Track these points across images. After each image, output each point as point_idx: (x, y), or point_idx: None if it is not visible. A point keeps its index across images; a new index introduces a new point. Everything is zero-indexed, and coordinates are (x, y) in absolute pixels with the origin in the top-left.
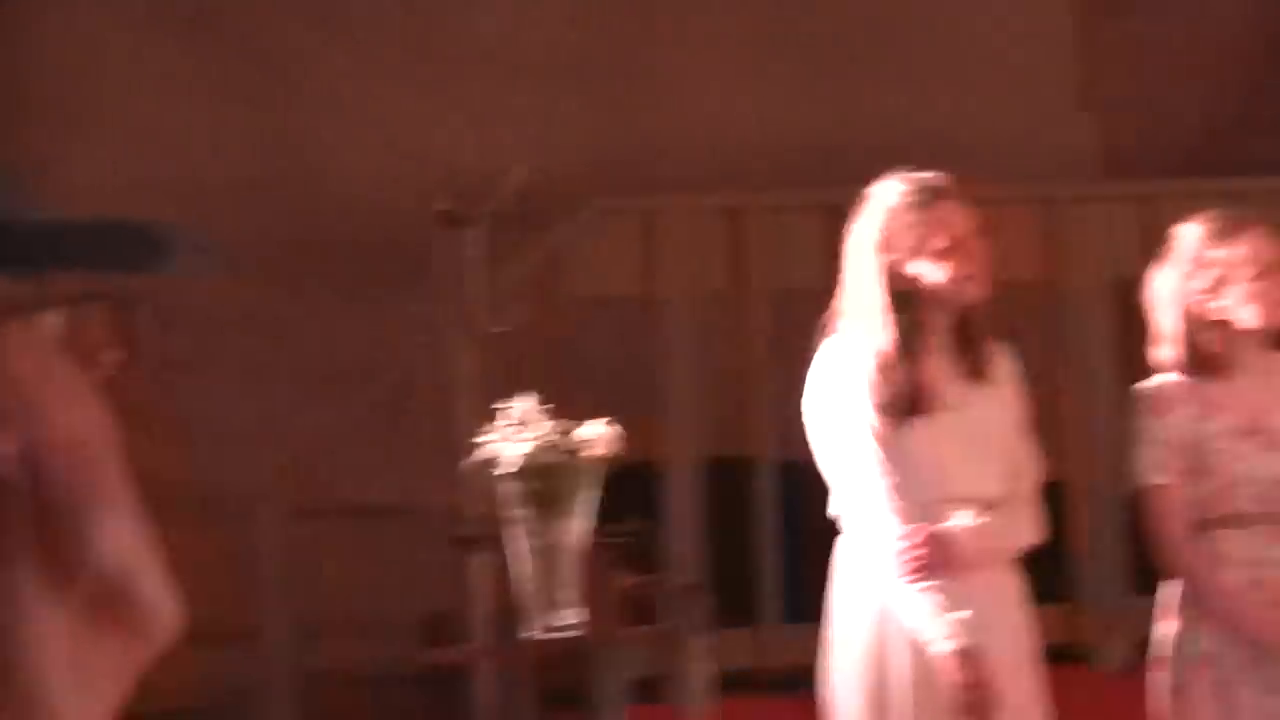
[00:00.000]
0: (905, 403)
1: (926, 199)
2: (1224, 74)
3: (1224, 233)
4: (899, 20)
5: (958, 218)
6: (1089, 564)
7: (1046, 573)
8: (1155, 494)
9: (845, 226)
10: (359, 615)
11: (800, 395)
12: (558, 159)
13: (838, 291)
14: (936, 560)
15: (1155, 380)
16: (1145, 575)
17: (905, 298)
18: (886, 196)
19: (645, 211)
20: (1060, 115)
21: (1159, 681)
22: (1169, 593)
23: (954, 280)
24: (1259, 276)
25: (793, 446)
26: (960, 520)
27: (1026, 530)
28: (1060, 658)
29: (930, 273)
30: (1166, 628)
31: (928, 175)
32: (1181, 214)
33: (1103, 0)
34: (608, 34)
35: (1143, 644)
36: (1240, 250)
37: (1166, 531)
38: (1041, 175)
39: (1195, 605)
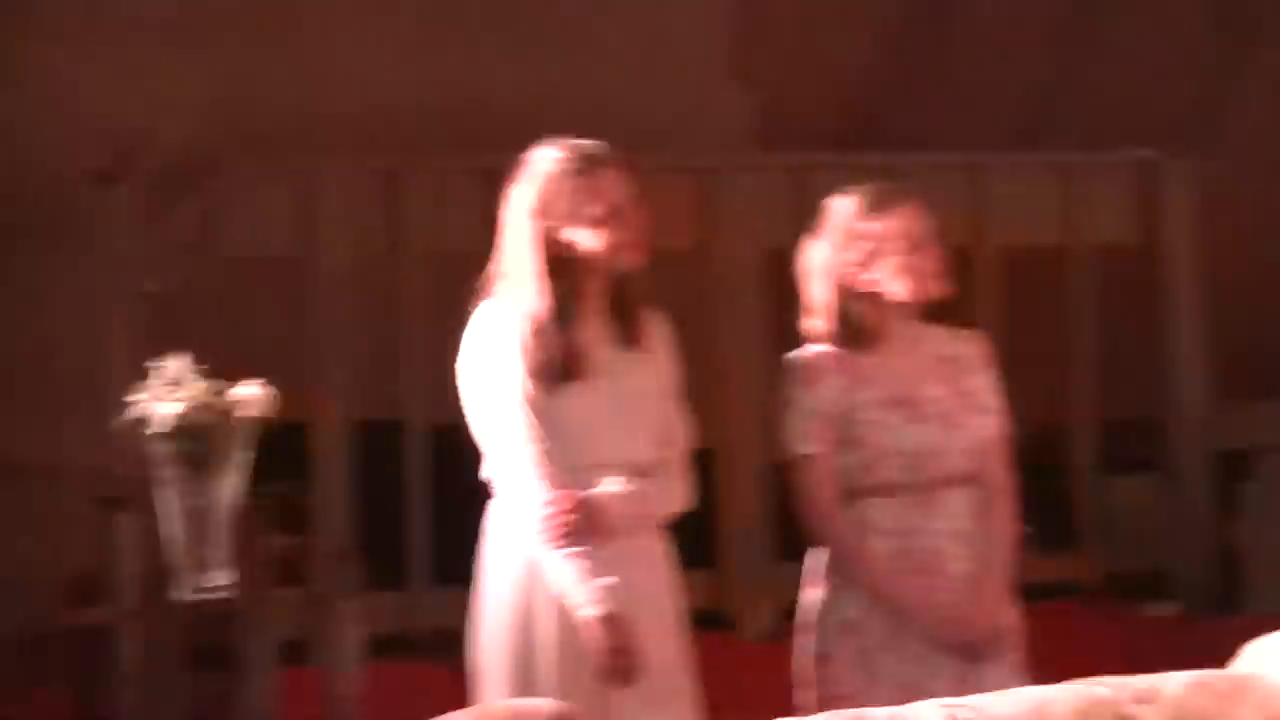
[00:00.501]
0: (557, 368)
1: (584, 166)
2: (876, 49)
3: (876, 206)
4: None
5: (615, 185)
6: (736, 531)
7: (694, 539)
8: (804, 463)
9: (503, 191)
10: (3, 573)
11: (455, 359)
12: (213, 120)
13: (494, 256)
14: (584, 526)
15: (806, 351)
16: (792, 543)
17: (561, 264)
18: (544, 163)
19: (301, 172)
20: (715, 87)
21: (804, 648)
22: (816, 561)
23: (610, 247)
24: (909, 250)
25: (446, 410)
26: (609, 486)
27: (676, 497)
28: (706, 624)
29: (586, 239)
30: (813, 595)
31: (585, 143)
32: (833, 186)
33: None
34: None
35: (788, 611)
36: (891, 224)
37: (815, 500)
38: (696, 146)
39: (840, 573)
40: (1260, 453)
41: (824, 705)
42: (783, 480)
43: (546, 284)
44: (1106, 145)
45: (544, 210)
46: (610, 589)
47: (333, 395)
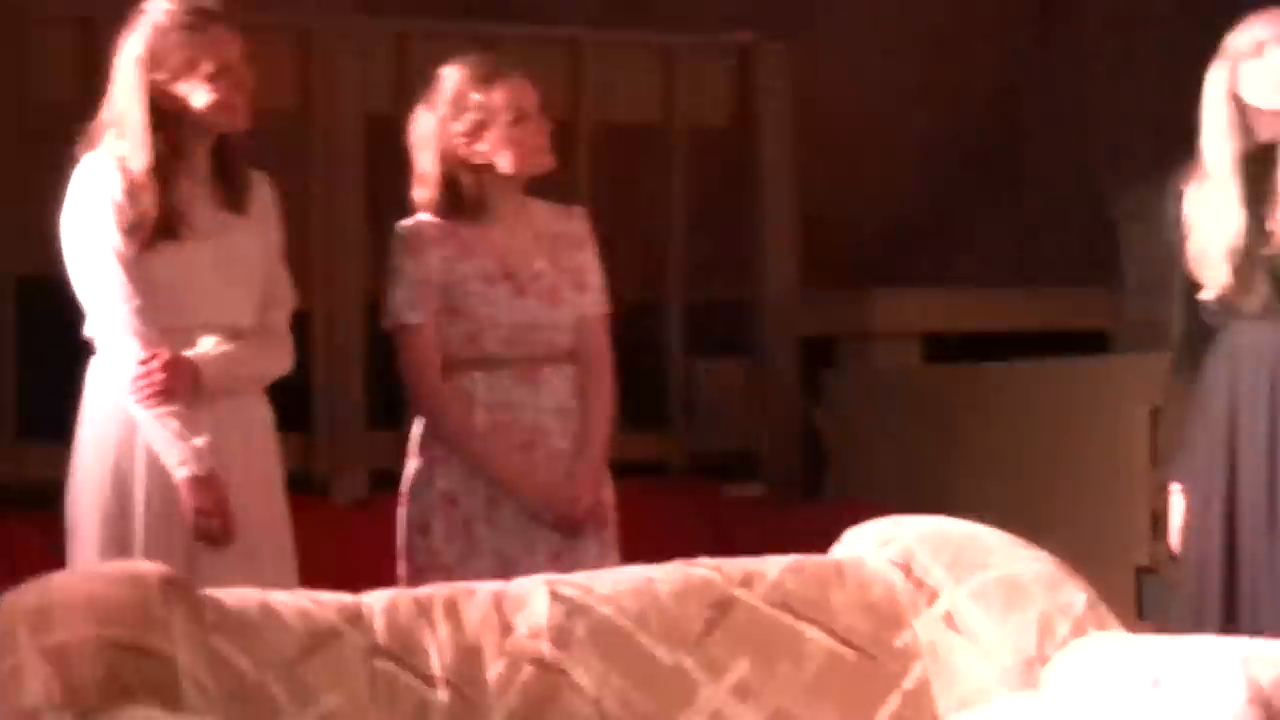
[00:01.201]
0: (154, 225)
1: (196, 20)
2: None
3: (483, 78)
4: None
5: (227, 42)
6: (332, 396)
7: (288, 402)
8: (407, 333)
9: (109, 40)
10: None
11: (58, 210)
12: None
13: (101, 106)
14: (178, 385)
15: (411, 220)
16: (390, 410)
17: (167, 118)
18: (155, 14)
19: None
20: None
21: (403, 518)
22: (417, 431)
23: (218, 106)
24: (516, 122)
25: (47, 263)
26: (206, 347)
27: (277, 360)
28: (299, 487)
29: (196, 96)
30: (412, 465)
31: None
32: (437, 55)
33: None
34: None
35: (382, 478)
36: (499, 96)
37: (417, 370)
38: (299, 4)
39: (440, 444)
40: (844, 340)
41: (421, 575)
42: (383, 348)
43: (150, 138)
44: (706, 27)
45: (153, 62)
46: (204, 449)
47: None
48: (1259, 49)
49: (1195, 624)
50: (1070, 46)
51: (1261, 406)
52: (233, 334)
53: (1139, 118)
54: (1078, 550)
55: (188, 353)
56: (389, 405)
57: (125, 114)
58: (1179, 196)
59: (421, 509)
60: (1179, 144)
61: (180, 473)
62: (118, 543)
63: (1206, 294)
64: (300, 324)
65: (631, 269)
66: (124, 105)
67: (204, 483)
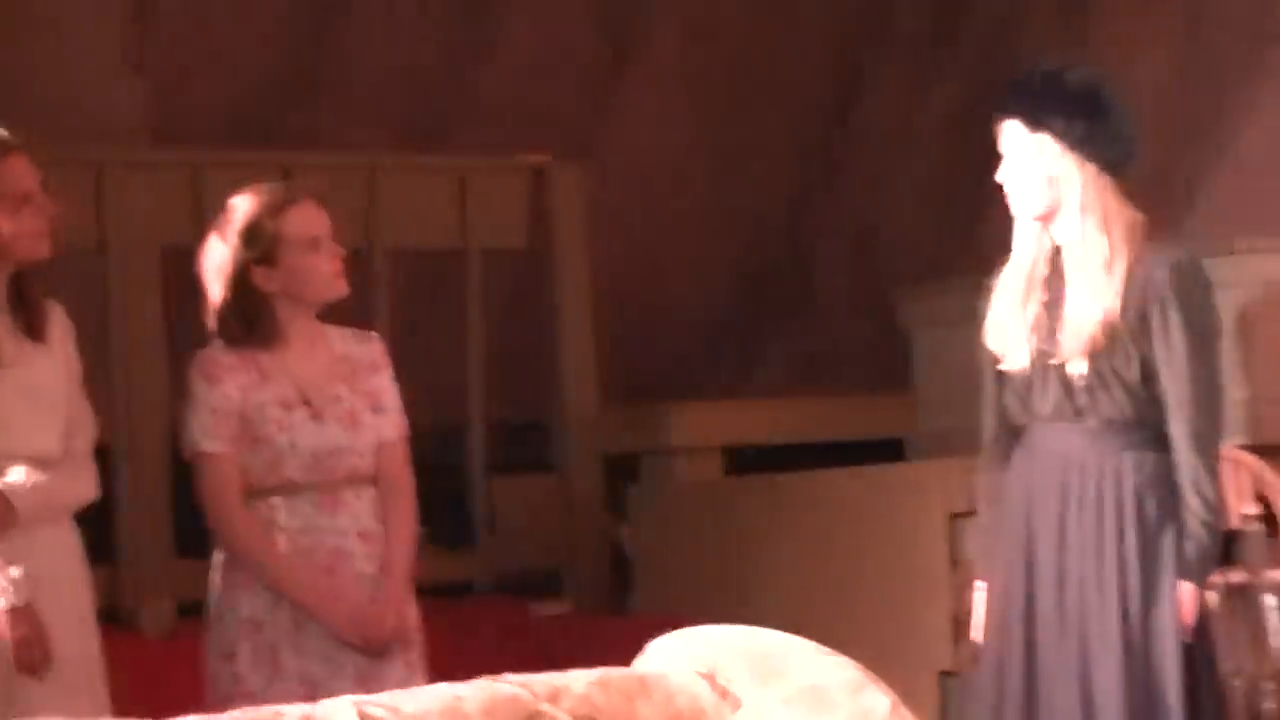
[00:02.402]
0: None
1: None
2: (268, 44)
3: (275, 205)
4: None
5: (25, 172)
6: (137, 526)
7: (93, 533)
8: (206, 460)
9: None
10: None
11: None
12: None
13: None
14: None
15: (208, 349)
16: (190, 537)
17: None
18: None
19: None
20: (111, 79)
21: (210, 645)
22: (219, 558)
23: (22, 235)
24: (308, 250)
25: None
26: (15, 477)
27: (83, 487)
28: (107, 619)
29: None
30: (215, 592)
31: None
32: (230, 184)
33: None
34: None
35: (187, 606)
36: (290, 223)
37: (217, 498)
38: (92, 136)
39: (243, 570)
40: (646, 455)
41: (228, 701)
42: (186, 477)
43: None
44: (501, 149)
45: None
46: (21, 580)
47: None
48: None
49: None
50: (854, 163)
51: (1052, 505)
52: (39, 463)
53: (922, 224)
54: (881, 655)
55: None
56: (194, 534)
57: None
58: (991, 293)
59: (226, 636)
60: (961, 254)
61: None
62: None
63: (1008, 396)
64: (102, 455)
65: (432, 391)
66: None
67: (22, 614)
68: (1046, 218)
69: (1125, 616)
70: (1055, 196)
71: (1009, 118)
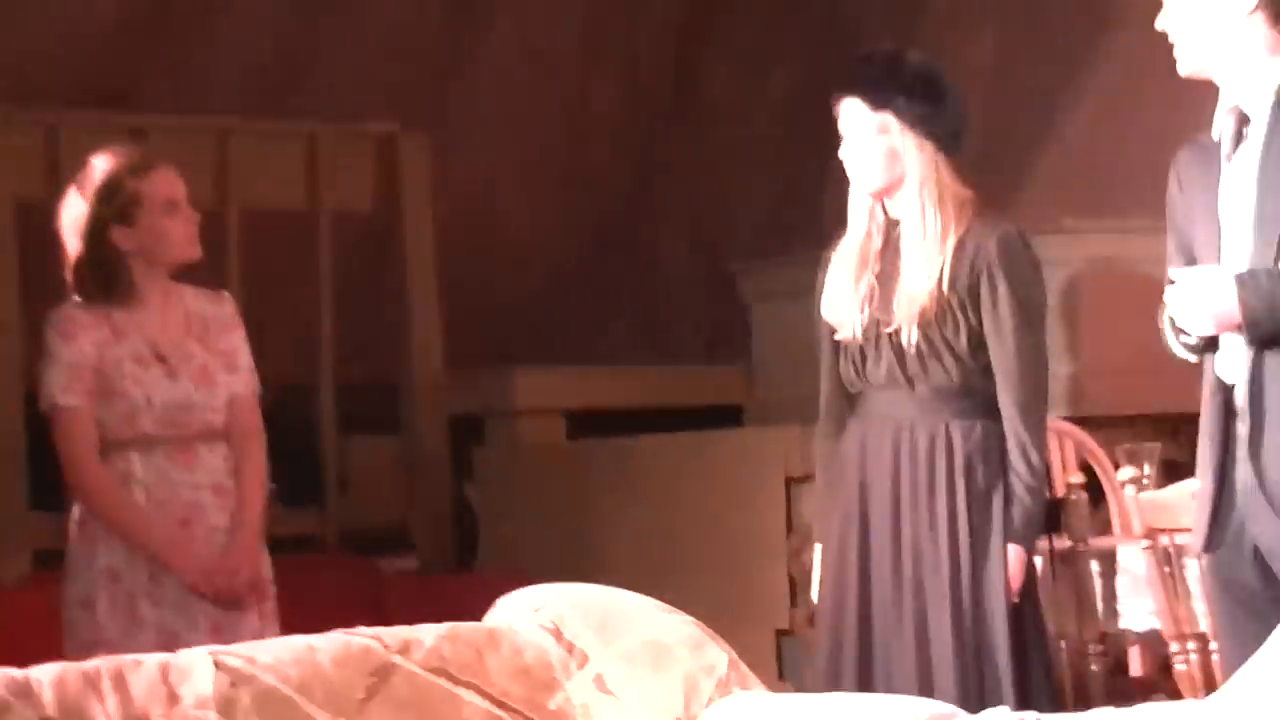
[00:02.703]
0: None
1: None
2: (123, 7)
3: (135, 167)
4: None
5: (174, 181)
6: None
7: None
8: (63, 414)
9: None
10: None
11: None
12: None
13: None
14: None
15: (64, 305)
16: (45, 490)
17: None
18: None
19: None
20: None
21: (67, 597)
22: (77, 511)
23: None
24: (165, 211)
25: None
26: None
27: None
28: None
29: None
30: (73, 544)
31: None
32: (86, 145)
33: None
34: None
35: (43, 557)
36: (150, 185)
37: (74, 451)
38: None
39: (97, 523)
40: (490, 417)
41: (86, 650)
42: (41, 429)
43: None
44: (351, 115)
45: None
46: None
47: None
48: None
49: (833, 682)
50: (698, 132)
51: (886, 469)
52: None
53: (761, 200)
54: (720, 614)
55: None
56: (49, 486)
57: None
58: (828, 266)
59: (84, 586)
60: (800, 228)
61: None
62: None
63: (843, 364)
64: None
65: (282, 351)
66: None
67: None
68: (885, 193)
69: (956, 578)
70: (895, 173)
71: (850, 96)
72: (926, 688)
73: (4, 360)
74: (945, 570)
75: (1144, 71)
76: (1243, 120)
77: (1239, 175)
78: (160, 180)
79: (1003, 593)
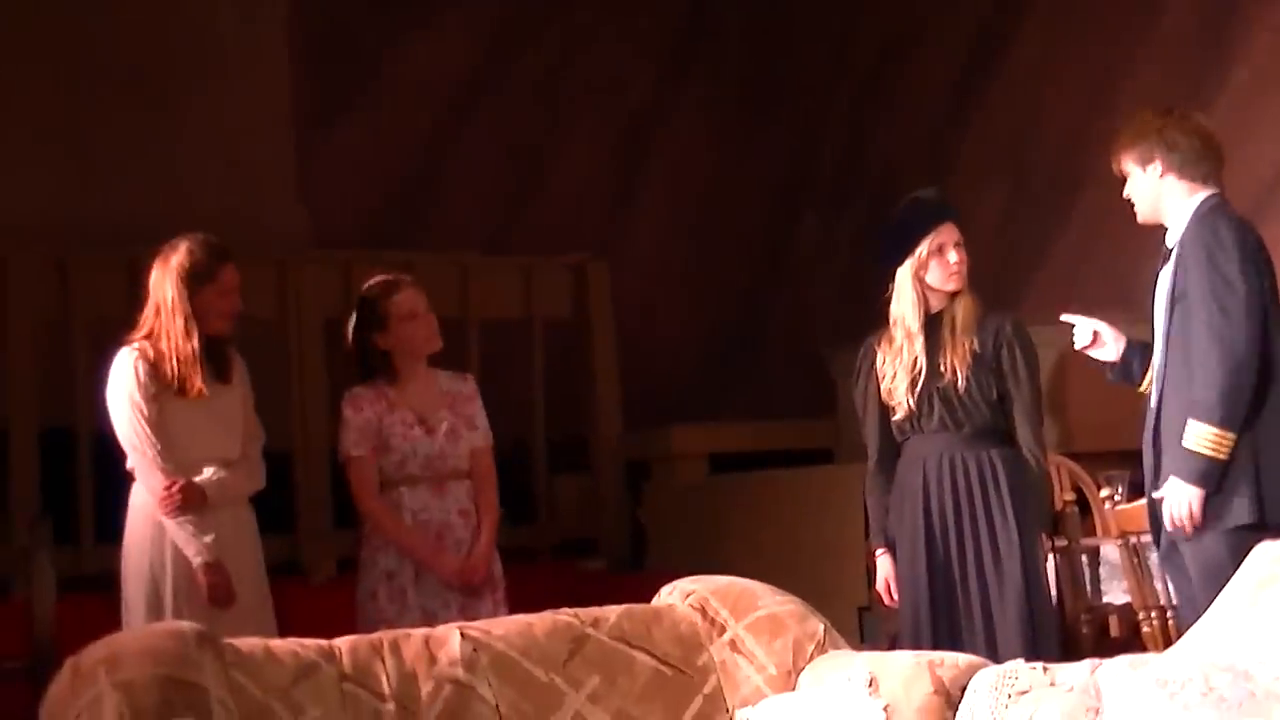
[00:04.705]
0: (171, 390)
1: (211, 258)
2: (393, 179)
3: (387, 289)
4: (148, 115)
5: (233, 276)
6: (303, 507)
7: (278, 511)
8: (354, 463)
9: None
10: None
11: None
12: None
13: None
14: (191, 500)
15: (355, 388)
16: (345, 514)
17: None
18: (182, 253)
19: None
20: (283, 203)
21: (359, 590)
22: (365, 530)
23: (219, 315)
24: (412, 318)
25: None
26: (208, 473)
27: (255, 480)
28: (287, 572)
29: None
30: (363, 553)
31: (213, 239)
32: (366, 275)
33: (316, 114)
34: None
35: (344, 563)
36: (395, 304)
37: (361, 488)
38: (268, 245)
39: (378, 538)
40: (654, 460)
41: (372, 629)
42: (339, 474)
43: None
44: (554, 248)
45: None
46: (211, 544)
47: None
48: (941, 249)
49: (914, 647)
50: (791, 259)
51: (948, 493)
52: (224, 464)
53: (839, 302)
54: (817, 596)
55: (195, 478)
56: (345, 513)
57: (162, 319)
58: (870, 352)
59: (370, 583)
60: (871, 323)
61: (196, 560)
62: (155, 610)
63: (897, 417)
64: (285, 457)
65: (509, 416)
66: (162, 314)
67: (213, 567)
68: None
69: (999, 558)
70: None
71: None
72: (992, 648)
73: (315, 427)
74: (994, 556)
75: (1114, 210)
76: (1169, 249)
77: (1160, 288)
78: (403, 299)
79: (1040, 565)
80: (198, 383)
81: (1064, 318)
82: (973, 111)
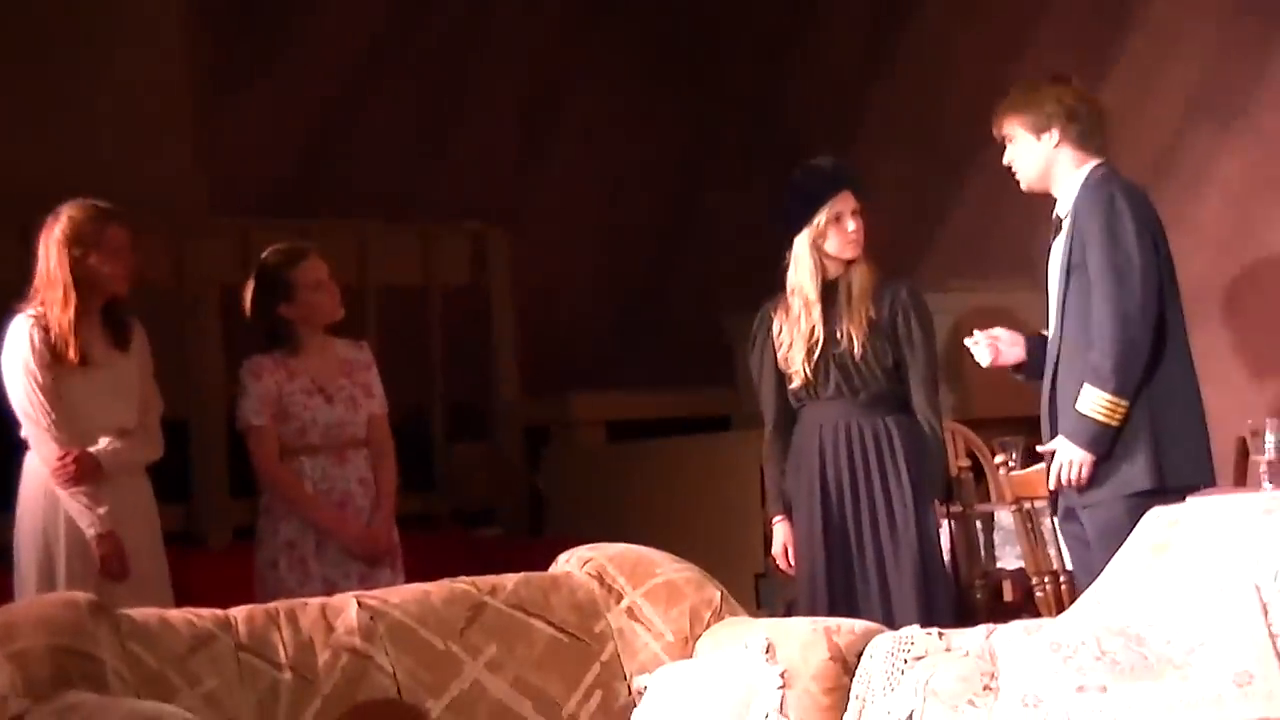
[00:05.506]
0: (64, 358)
1: (103, 218)
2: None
3: (292, 257)
4: (41, 80)
5: (123, 234)
6: (206, 475)
7: (175, 481)
8: (254, 431)
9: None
10: None
11: None
12: None
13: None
14: (85, 471)
15: (253, 356)
16: (241, 482)
17: (79, 285)
18: (75, 212)
19: None
20: (181, 169)
21: (259, 559)
22: (265, 500)
23: (114, 277)
24: (315, 288)
25: None
26: (104, 443)
27: (152, 449)
28: (185, 540)
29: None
30: (262, 521)
31: (102, 203)
32: (266, 242)
33: (217, 79)
34: None
35: (240, 531)
36: (302, 272)
37: (262, 457)
38: (166, 211)
39: (279, 506)
40: (555, 426)
41: (271, 598)
42: (237, 442)
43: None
44: (453, 214)
45: (74, 245)
46: (105, 515)
47: None
48: (838, 218)
49: (809, 611)
50: (698, 227)
51: (844, 460)
52: (120, 433)
53: (741, 267)
54: (715, 563)
55: (90, 448)
56: (243, 481)
57: (51, 283)
58: (766, 319)
59: (270, 551)
60: (770, 288)
61: (90, 532)
62: (49, 580)
63: (793, 385)
64: (182, 425)
65: (405, 383)
66: (51, 277)
67: (106, 538)
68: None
69: (894, 525)
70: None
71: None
72: (888, 614)
73: (211, 397)
74: (887, 519)
75: (1008, 178)
76: (1059, 219)
77: (1053, 258)
78: (309, 267)
79: (935, 531)
80: (72, 354)
81: (966, 342)
82: (879, 79)
